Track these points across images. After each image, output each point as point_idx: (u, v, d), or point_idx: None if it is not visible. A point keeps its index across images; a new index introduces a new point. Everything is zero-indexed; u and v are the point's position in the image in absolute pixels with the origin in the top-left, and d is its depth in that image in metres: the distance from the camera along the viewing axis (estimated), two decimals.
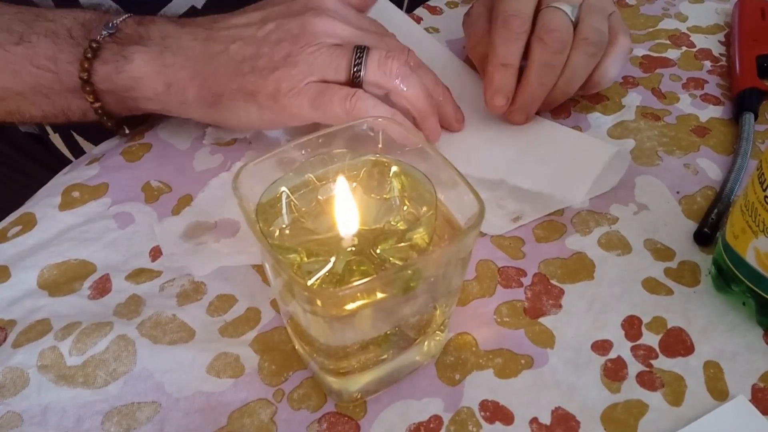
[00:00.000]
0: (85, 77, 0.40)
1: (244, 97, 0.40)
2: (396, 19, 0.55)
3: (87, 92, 0.41)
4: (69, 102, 0.42)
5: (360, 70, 0.39)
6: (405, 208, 0.32)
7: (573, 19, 0.43)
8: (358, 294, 0.26)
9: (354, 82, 0.40)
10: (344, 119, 0.39)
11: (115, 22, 0.42)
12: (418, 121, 0.42)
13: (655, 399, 0.32)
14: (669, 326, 0.35)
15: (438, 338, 0.33)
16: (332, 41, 0.40)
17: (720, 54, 0.55)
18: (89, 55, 0.40)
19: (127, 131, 0.47)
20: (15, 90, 0.41)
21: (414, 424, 0.31)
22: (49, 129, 0.61)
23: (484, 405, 0.32)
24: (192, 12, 0.53)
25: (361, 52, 0.40)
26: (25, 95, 0.41)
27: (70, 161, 0.52)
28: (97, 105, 0.42)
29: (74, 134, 0.60)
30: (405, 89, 0.40)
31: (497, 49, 0.43)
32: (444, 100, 0.44)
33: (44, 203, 0.43)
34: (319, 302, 0.26)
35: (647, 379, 0.33)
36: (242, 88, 0.40)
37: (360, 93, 0.39)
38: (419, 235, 0.30)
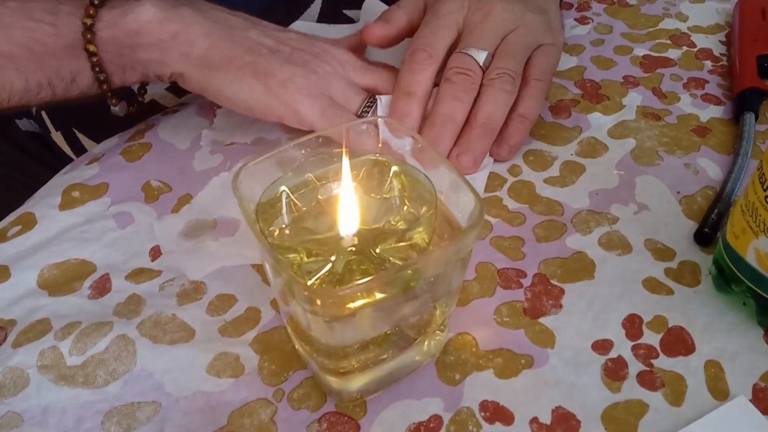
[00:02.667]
0: (89, 23, 0.38)
1: (253, 73, 0.41)
2: None
3: (87, 41, 0.39)
4: (60, 63, 0.40)
5: (367, 115, 0.43)
6: (405, 207, 0.32)
7: (482, 65, 0.44)
8: (358, 294, 0.26)
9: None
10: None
11: None
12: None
13: (655, 399, 0.32)
14: (670, 325, 0.35)
15: (438, 338, 0.33)
16: (348, 76, 0.44)
17: (720, 54, 0.55)
18: (96, 2, 0.39)
19: (118, 109, 0.44)
20: (2, 49, 0.38)
21: (414, 424, 0.31)
22: (50, 127, 0.61)
23: (484, 405, 0.32)
24: None
25: (372, 101, 0.43)
26: (11, 57, 0.39)
27: (71, 159, 0.52)
28: (94, 59, 0.40)
29: (76, 131, 0.60)
30: None
31: (401, 78, 0.44)
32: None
33: (44, 203, 0.43)
34: (319, 302, 0.26)
35: (648, 379, 0.33)
36: (256, 64, 0.41)
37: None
38: (419, 235, 0.30)
